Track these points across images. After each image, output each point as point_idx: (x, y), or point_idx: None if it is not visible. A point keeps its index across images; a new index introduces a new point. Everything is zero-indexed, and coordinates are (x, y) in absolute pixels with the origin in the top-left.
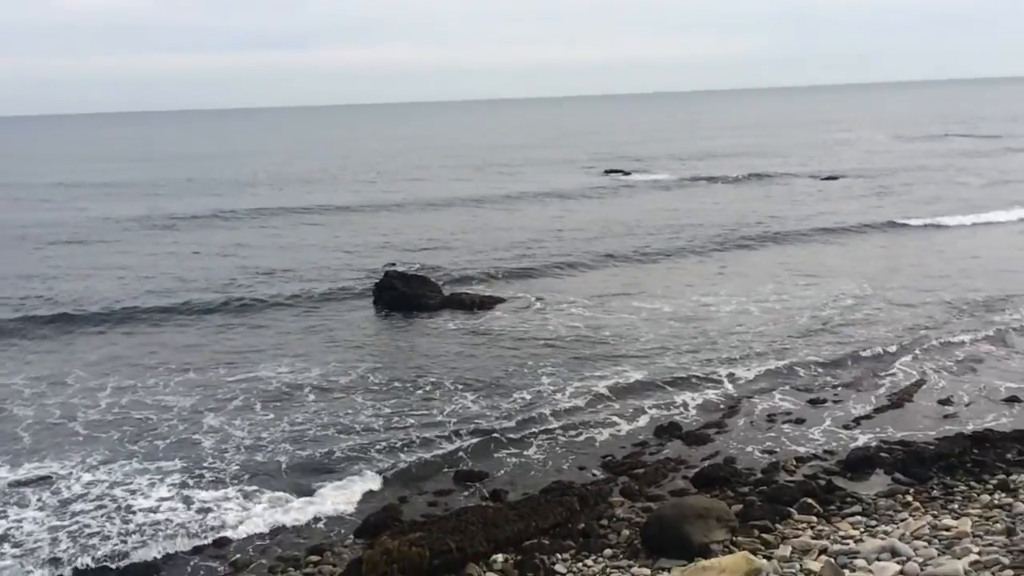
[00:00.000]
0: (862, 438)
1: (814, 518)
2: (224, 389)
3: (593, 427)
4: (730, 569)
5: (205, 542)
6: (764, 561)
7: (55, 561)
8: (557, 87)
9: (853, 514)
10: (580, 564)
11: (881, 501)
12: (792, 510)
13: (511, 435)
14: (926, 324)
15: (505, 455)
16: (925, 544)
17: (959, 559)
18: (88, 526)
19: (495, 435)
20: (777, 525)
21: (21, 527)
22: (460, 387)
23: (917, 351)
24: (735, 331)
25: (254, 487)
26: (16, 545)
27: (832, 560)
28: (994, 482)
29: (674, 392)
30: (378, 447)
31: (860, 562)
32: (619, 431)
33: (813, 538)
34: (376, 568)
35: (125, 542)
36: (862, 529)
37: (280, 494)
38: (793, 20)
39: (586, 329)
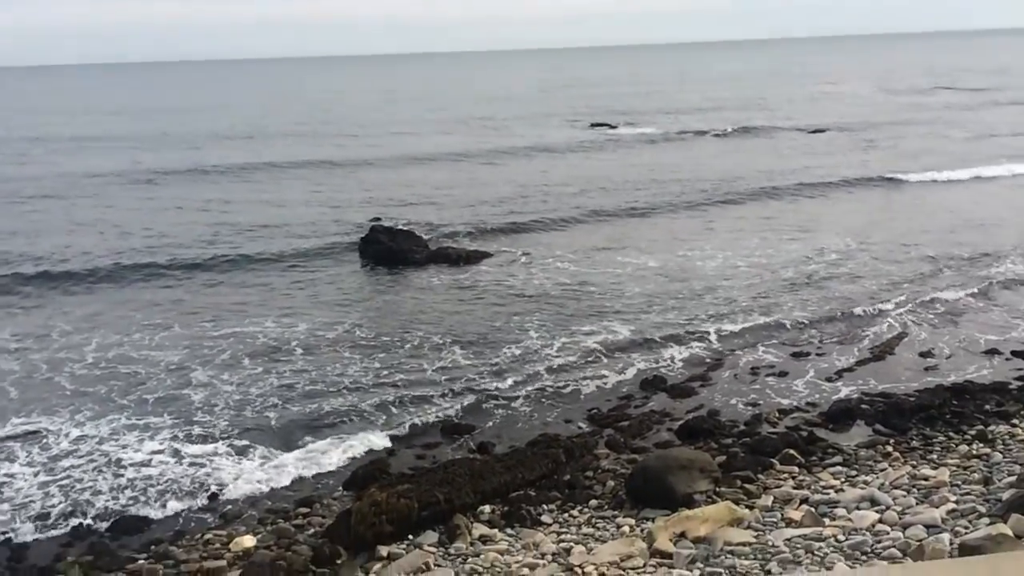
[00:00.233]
0: (844, 390)
1: (796, 469)
2: (211, 344)
3: (579, 381)
4: (713, 518)
5: (196, 496)
6: (746, 511)
7: (46, 516)
8: (545, 39)
9: (834, 464)
10: (566, 515)
11: (862, 452)
12: (774, 461)
13: (498, 389)
14: (910, 278)
15: (492, 408)
16: (904, 493)
17: (937, 508)
18: (80, 480)
19: (482, 389)
20: (759, 476)
21: (12, 482)
22: (448, 341)
23: (900, 305)
24: (721, 285)
25: (244, 441)
26: (6, 500)
27: (812, 509)
28: (972, 433)
29: (660, 346)
30: (366, 401)
31: (840, 511)
32: (605, 384)
33: (795, 488)
34: (365, 519)
35: (116, 497)
36: (843, 479)
37: (270, 448)
38: None
39: (573, 284)
